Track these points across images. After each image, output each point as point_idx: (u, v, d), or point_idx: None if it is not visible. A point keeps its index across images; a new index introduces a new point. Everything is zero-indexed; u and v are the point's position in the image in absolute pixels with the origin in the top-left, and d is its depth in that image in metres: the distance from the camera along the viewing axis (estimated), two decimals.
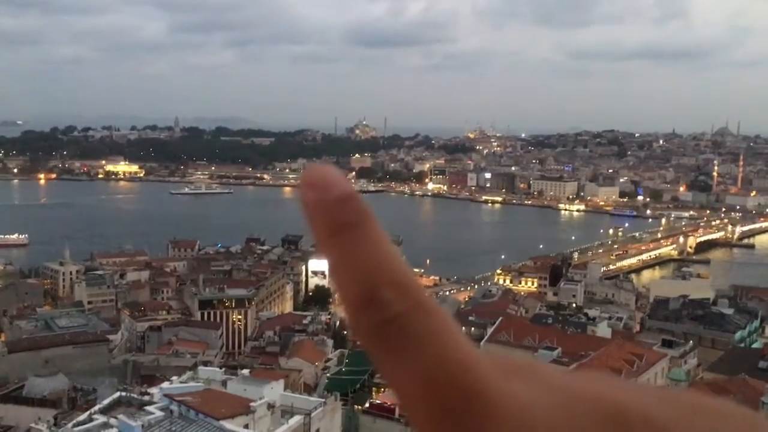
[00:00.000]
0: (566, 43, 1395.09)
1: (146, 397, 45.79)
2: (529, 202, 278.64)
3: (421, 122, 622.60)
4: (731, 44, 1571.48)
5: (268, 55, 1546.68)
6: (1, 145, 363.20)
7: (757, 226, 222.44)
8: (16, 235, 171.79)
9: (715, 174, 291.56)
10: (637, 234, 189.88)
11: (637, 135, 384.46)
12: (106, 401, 46.19)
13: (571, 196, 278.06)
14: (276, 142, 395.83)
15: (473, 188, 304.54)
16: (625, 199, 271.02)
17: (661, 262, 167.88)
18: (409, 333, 0.75)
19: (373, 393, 59.30)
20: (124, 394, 47.31)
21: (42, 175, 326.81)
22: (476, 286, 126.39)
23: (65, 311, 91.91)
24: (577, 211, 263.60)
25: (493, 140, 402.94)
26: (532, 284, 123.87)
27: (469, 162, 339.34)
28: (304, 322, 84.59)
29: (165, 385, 48.71)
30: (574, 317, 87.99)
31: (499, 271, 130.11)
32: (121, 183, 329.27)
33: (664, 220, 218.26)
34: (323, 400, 48.73)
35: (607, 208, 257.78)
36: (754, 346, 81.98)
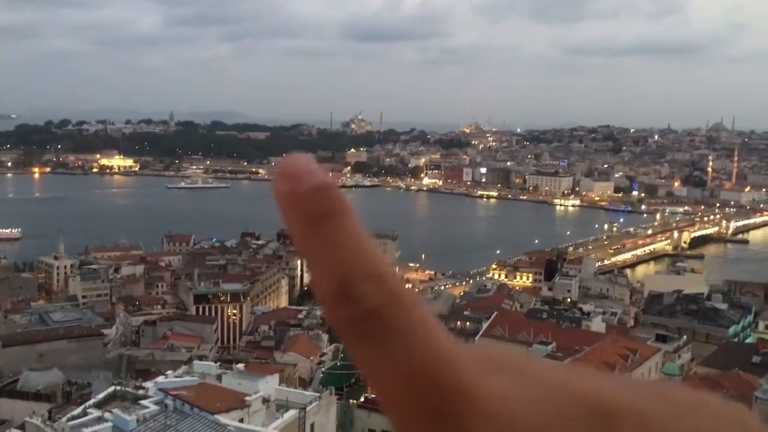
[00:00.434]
0: (562, 38, 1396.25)
1: (141, 392, 45.73)
2: (525, 197, 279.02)
3: (416, 117, 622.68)
4: (727, 40, 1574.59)
5: (264, 49, 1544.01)
6: None
7: (751, 221, 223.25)
8: (9, 229, 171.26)
9: (709, 169, 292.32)
10: (631, 229, 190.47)
11: (632, 130, 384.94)
12: (100, 395, 46.12)
13: (566, 191, 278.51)
14: (271, 136, 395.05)
15: (469, 183, 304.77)
16: (620, 195, 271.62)
17: (655, 257, 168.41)
18: (386, 327, 0.73)
19: (368, 387, 59.35)
20: (118, 388, 47.25)
21: (36, 169, 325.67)
22: (471, 281, 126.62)
23: (60, 305, 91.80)
24: (572, 206, 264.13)
25: (488, 135, 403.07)
26: (527, 279, 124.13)
27: (465, 157, 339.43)
28: (299, 316, 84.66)
29: (160, 379, 48.67)
30: (568, 312, 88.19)
31: (494, 266, 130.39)
32: (116, 177, 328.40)
33: (658, 216, 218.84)
34: (318, 394, 48.77)
35: (602, 204, 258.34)
36: (748, 341, 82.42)
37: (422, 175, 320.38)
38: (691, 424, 0.74)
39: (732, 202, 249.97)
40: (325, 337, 76.90)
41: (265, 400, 45.12)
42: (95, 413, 41.97)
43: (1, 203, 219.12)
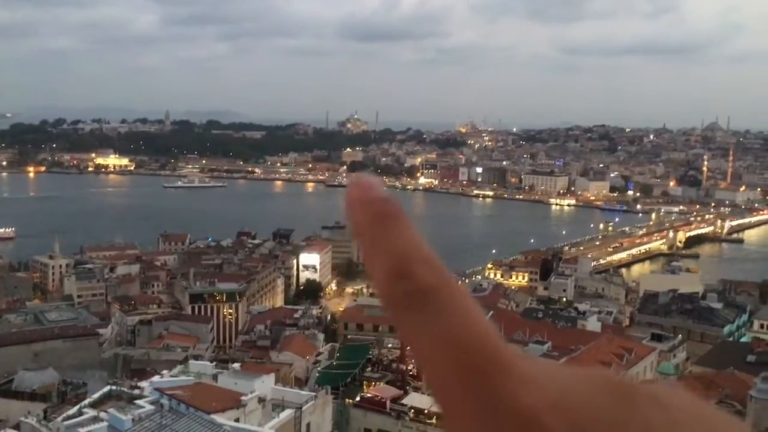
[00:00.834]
0: (559, 38, 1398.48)
1: (136, 391, 45.67)
2: (521, 196, 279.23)
3: (412, 116, 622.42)
4: (723, 40, 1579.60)
5: (261, 49, 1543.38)
6: None
7: (746, 220, 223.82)
8: (3, 228, 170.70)
9: (704, 169, 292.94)
10: (627, 228, 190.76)
11: (627, 130, 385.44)
12: (96, 395, 46.03)
13: (561, 191, 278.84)
14: (267, 135, 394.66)
15: (464, 183, 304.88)
16: (616, 194, 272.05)
17: (650, 256, 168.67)
18: (438, 303, 0.86)
19: (364, 387, 59.39)
20: (114, 387, 47.17)
21: (31, 168, 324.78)
22: (467, 281, 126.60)
23: (55, 305, 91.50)
24: (568, 205, 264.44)
25: (484, 135, 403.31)
26: (523, 278, 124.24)
27: (461, 156, 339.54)
28: (295, 316, 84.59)
29: (155, 378, 48.61)
30: (564, 311, 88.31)
31: (489, 266, 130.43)
32: (111, 176, 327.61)
33: (654, 215, 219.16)
34: (314, 393, 48.75)
35: (598, 203, 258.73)
36: (743, 340, 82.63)
37: (418, 174, 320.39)
38: (700, 412, 0.83)
39: (727, 202, 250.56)
40: (321, 336, 76.91)
41: (261, 400, 45.10)
42: (91, 413, 41.89)
43: None
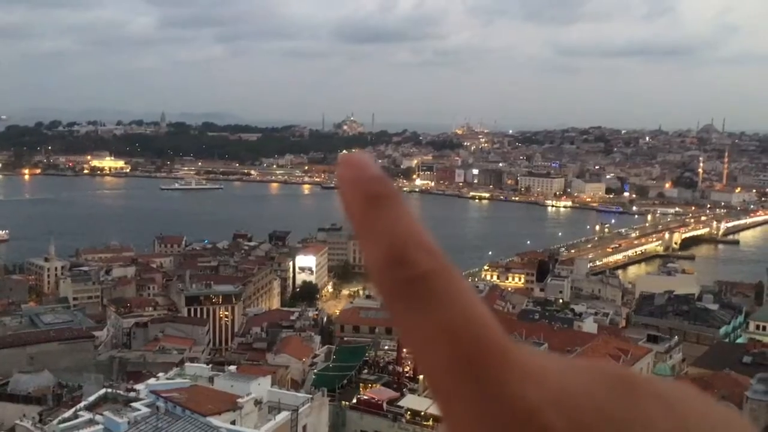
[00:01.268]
0: (555, 39, 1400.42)
1: (132, 394, 45.58)
2: (517, 198, 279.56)
3: (409, 118, 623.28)
4: (718, 41, 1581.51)
5: (257, 51, 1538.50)
6: None
7: (741, 222, 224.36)
8: None
9: (700, 171, 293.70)
10: (623, 230, 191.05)
11: (623, 131, 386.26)
12: (91, 398, 45.94)
13: (558, 193, 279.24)
14: (263, 137, 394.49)
15: (461, 184, 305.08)
16: (612, 196, 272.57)
17: (646, 258, 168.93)
18: (435, 290, 0.81)
19: (361, 389, 59.34)
20: (110, 390, 47.09)
21: (26, 171, 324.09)
22: None
23: (50, 307, 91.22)
24: (564, 207, 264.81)
25: (480, 136, 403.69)
26: (519, 280, 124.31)
27: (457, 158, 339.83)
28: (292, 318, 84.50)
29: (151, 381, 48.52)
30: (560, 313, 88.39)
31: (486, 267, 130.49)
32: (107, 178, 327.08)
33: (649, 217, 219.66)
34: (310, 396, 48.70)
35: (594, 205, 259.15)
36: (739, 341, 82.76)
37: (414, 176, 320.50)
38: (702, 406, 0.82)
39: (722, 203, 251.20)
40: (317, 338, 76.85)
41: (258, 402, 45.04)
42: (86, 416, 41.79)
43: None
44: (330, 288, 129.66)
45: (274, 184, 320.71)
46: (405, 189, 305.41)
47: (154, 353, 69.92)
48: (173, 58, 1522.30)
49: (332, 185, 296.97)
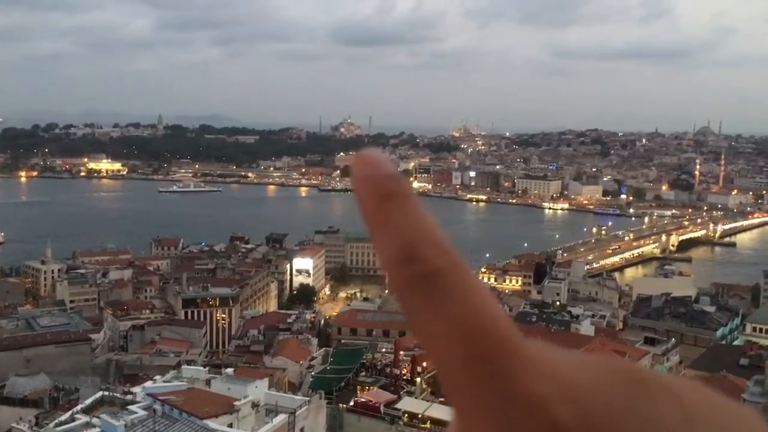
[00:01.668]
0: (552, 42, 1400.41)
1: (129, 397, 45.50)
2: (514, 200, 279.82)
3: (406, 121, 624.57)
4: (714, 44, 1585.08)
5: (254, 53, 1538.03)
6: None
7: (738, 224, 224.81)
8: None
9: (696, 173, 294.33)
10: (620, 232, 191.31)
11: (620, 134, 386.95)
12: (88, 401, 45.83)
13: (555, 195, 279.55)
14: (260, 140, 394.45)
15: (458, 187, 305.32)
16: (609, 198, 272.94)
17: (643, 260, 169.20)
18: (447, 286, 0.82)
19: (358, 391, 59.31)
20: (106, 393, 46.99)
21: (23, 173, 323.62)
22: None
23: (47, 310, 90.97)
24: (561, 209, 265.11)
25: (477, 139, 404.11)
26: (517, 282, 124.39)
27: (454, 160, 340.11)
28: (289, 320, 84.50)
29: (148, 384, 48.44)
30: (557, 315, 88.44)
31: (483, 270, 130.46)
32: (104, 181, 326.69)
33: (646, 219, 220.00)
34: (308, 398, 48.65)
35: (591, 207, 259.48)
36: (735, 343, 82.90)
37: (411, 178, 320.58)
38: (714, 403, 0.83)
39: (719, 205, 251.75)
40: (314, 341, 76.85)
41: (255, 405, 44.98)
42: (83, 419, 41.68)
43: None
44: (327, 290, 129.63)
45: (272, 187, 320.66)
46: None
47: (150, 356, 69.82)
48: (170, 60, 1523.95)
49: (329, 188, 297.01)
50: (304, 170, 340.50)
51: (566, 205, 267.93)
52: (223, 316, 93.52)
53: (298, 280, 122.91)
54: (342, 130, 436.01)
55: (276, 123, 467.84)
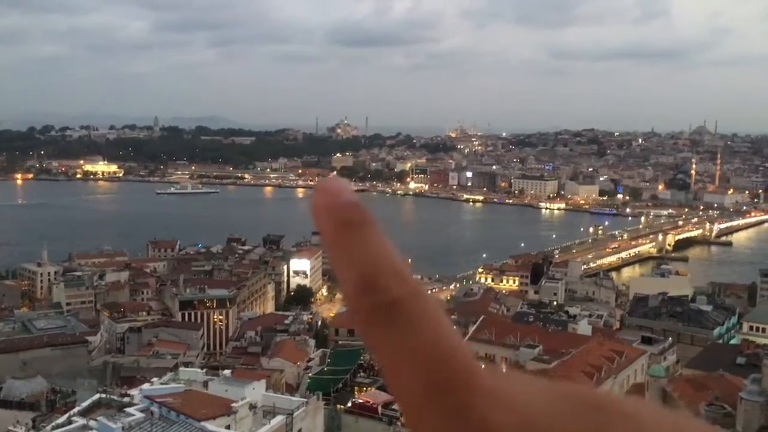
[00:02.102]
0: (548, 42, 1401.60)
1: (126, 399, 45.39)
2: (510, 200, 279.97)
3: (402, 121, 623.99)
4: (710, 44, 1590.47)
5: (251, 55, 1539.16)
6: None
7: (734, 223, 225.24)
8: None
9: (693, 172, 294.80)
10: (616, 232, 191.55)
11: (616, 134, 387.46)
12: (85, 403, 45.71)
13: (551, 195, 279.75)
14: (257, 141, 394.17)
15: (454, 187, 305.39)
16: (605, 198, 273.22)
17: (640, 259, 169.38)
18: (406, 316, 0.84)
19: (356, 392, 59.25)
20: (103, 395, 46.88)
21: (19, 175, 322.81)
22: (458, 285, 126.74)
23: (43, 313, 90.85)
24: (558, 209, 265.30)
25: (474, 139, 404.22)
26: (514, 283, 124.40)
27: (451, 161, 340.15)
28: (286, 322, 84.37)
29: (145, 386, 48.32)
30: (555, 315, 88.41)
31: (480, 270, 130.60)
32: (100, 183, 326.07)
33: (643, 218, 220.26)
34: (305, 399, 48.59)
35: (587, 207, 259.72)
36: (732, 342, 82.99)
37: (408, 179, 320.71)
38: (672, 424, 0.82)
39: (715, 205, 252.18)
40: (311, 342, 76.74)
41: (252, 407, 44.89)
42: (80, 421, 41.58)
43: None
44: (324, 291, 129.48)
45: (268, 188, 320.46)
46: (399, 192, 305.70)
47: (148, 358, 69.71)
48: (167, 62, 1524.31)
49: None
50: (300, 171, 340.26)
51: (563, 205, 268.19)
52: (221, 317, 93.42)
53: (295, 281, 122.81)
54: (339, 131, 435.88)
55: (273, 124, 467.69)
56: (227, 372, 53.13)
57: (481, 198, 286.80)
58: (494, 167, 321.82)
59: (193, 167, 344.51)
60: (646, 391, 51.10)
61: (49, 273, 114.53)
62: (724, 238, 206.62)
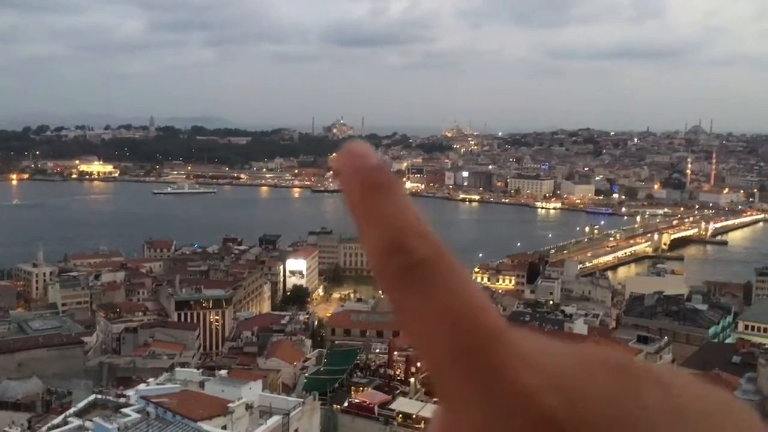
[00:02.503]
0: (544, 42, 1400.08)
1: (122, 400, 45.33)
2: (507, 200, 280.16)
3: (398, 121, 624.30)
4: (705, 44, 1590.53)
5: (247, 54, 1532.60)
6: None
7: (729, 222, 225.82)
8: None
9: (688, 172, 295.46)
10: (612, 231, 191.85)
11: (612, 133, 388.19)
12: (81, 404, 45.64)
13: (547, 195, 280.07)
14: (252, 141, 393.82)
15: (451, 187, 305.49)
16: (601, 197, 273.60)
17: (636, 259, 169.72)
18: (433, 276, 0.83)
19: (352, 392, 59.27)
20: (99, 396, 46.80)
21: (14, 176, 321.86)
22: None
23: (39, 313, 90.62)
24: (554, 209, 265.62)
25: (470, 139, 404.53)
26: (510, 282, 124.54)
27: (447, 161, 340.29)
28: (282, 322, 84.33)
29: (141, 386, 48.26)
30: (551, 314, 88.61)
31: (476, 270, 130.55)
32: (96, 183, 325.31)
33: (639, 218, 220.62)
34: (302, 400, 48.60)
35: (583, 206, 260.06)
36: (728, 341, 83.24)
37: (404, 179, 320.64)
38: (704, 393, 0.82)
39: (711, 204, 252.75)
40: (308, 342, 76.72)
41: (248, 407, 44.88)
42: (76, 422, 41.52)
43: None
44: (321, 291, 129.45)
45: (264, 188, 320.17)
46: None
47: (144, 358, 69.60)
48: (162, 62, 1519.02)
49: (322, 189, 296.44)
50: (296, 171, 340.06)
51: (559, 205, 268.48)
52: (217, 318, 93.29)
53: (291, 281, 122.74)
54: (334, 130, 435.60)
55: (268, 124, 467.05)
56: (223, 372, 53.11)
57: (477, 197, 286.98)
58: (490, 167, 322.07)
59: (189, 167, 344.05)
60: None
61: (44, 273, 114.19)
62: (719, 238, 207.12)
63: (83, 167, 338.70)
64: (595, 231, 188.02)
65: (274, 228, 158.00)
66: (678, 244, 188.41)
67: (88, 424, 40.53)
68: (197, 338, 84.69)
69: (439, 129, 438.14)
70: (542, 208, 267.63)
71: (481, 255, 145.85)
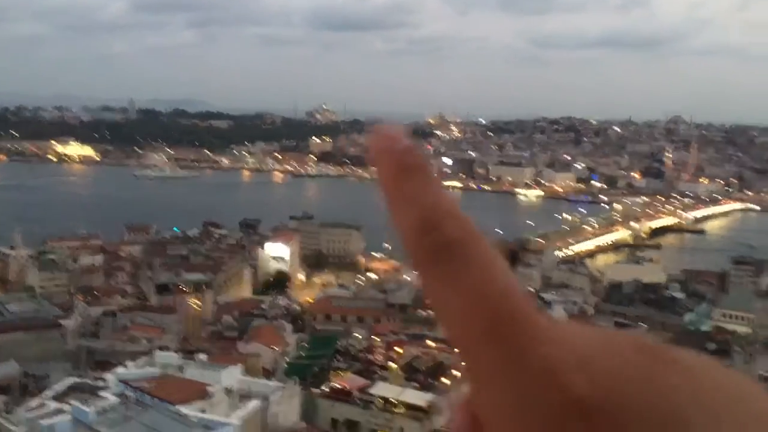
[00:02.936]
0: (529, 30, 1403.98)
1: (101, 383, 45.11)
2: (488, 187, 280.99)
3: (382, 107, 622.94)
4: (689, 34, 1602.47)
5: (230, 37, 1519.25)
6: None
7: (708, 212, 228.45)
8: None
9: (667, 161, 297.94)
10: (592, 219, 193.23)
11: (593, 122, 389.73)
12: (58, 387, 45.35)
13: (528, 182, 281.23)
14: (234, 125, 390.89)
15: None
16: (582, 185, 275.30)
17: (615, 247, 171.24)
18: (465, 256, 0.85)
19: (332, 377, 59.45)
20: (77, 380, 46.56)
21: None
22: None
23: (16, 296, 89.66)
24: (536, 197, 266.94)
25: (453, 126, 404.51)
26: None
27: (429, 147, 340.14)
28: (263, 306, 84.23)
29: (120, 370, 48.07)
30: None
31: None
32: (75, 165, 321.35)
33: (618, 206, 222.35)
34: (282, 384, 48.68)
35: (564, 194, 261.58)
36: (703, 328, 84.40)
37: None
38: (727, 381, 0.81)
39: (689, 194, 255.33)
40: (289, 327, 76.73)
41: (228, 391, 44.89)
42: (53, 405, 41.28)
43: None
44: (302, 277, 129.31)
45: (246, 172, 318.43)
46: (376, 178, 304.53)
47: (123, 342, 69.24)
48: (144, 43, 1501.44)
49: (303, 173, 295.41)
50: (278, 156, 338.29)
51: (540, 193, 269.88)
52: (197, 302, 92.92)
53: (272, 266, 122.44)
54: (317, 115, 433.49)
55: (250, 108, 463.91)
56: (203, 356, 53.03)
57: (459, 185, 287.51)
58: (473, 154, 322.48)
59: (171, 151, 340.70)
60: None
61: (22, 256, 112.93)
62: (697, 227, 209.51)
63: (60, 148, 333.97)
64: (576, 219, 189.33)
65: (255, 213, 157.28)
66: (657, 232, 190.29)
67: (65, 407, 40.32)
68: (177, 322, 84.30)
69: (422, 115, 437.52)
70: (524, 195, 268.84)
71: None
